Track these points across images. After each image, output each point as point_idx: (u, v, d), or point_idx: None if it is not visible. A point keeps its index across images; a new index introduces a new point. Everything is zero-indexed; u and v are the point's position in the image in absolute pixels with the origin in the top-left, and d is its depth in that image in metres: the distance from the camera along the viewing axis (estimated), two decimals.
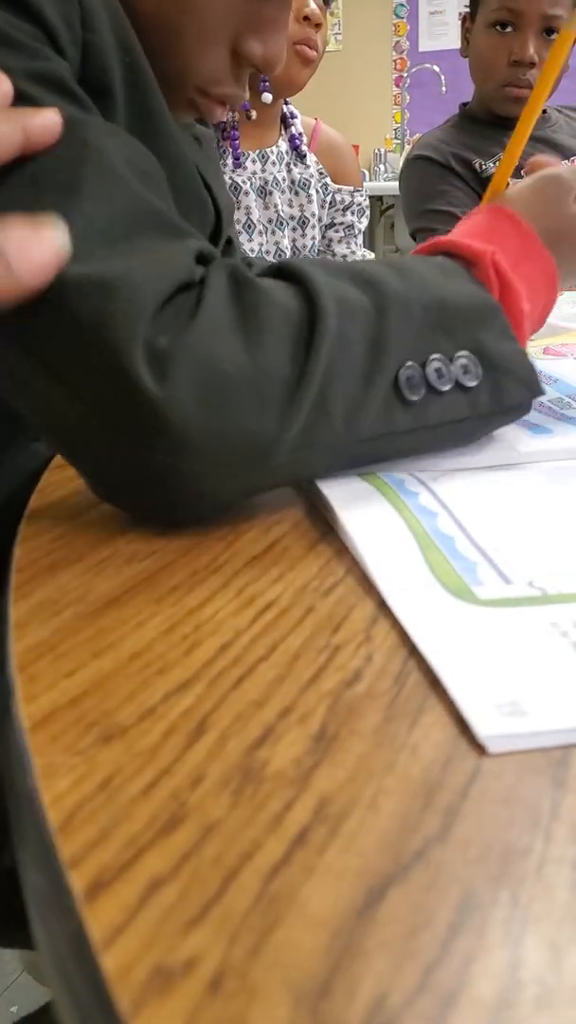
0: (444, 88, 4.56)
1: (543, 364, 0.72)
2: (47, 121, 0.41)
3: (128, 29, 0.54)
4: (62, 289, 0.40)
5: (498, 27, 1.52)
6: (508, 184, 0.62)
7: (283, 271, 0.47)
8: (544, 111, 1.66)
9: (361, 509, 0.44)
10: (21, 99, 0.43)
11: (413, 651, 0.33)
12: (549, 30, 1.51)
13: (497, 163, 1.58)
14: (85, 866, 0.23)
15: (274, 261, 0.55)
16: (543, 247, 0.55)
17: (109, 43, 0.52)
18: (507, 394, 0.50)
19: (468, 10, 1.62)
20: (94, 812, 0.25)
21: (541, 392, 0.51)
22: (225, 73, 0.60)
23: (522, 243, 0.54)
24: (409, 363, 0.46)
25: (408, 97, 4.88)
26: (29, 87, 0.44)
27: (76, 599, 0.38)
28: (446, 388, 0.47)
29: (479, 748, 0.27)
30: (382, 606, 0.36)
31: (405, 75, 4.84)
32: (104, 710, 0.29)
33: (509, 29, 1.51)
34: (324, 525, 0.45)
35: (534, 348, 0.77)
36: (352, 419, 0.45)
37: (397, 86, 4.89)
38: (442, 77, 4.57)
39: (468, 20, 1.62)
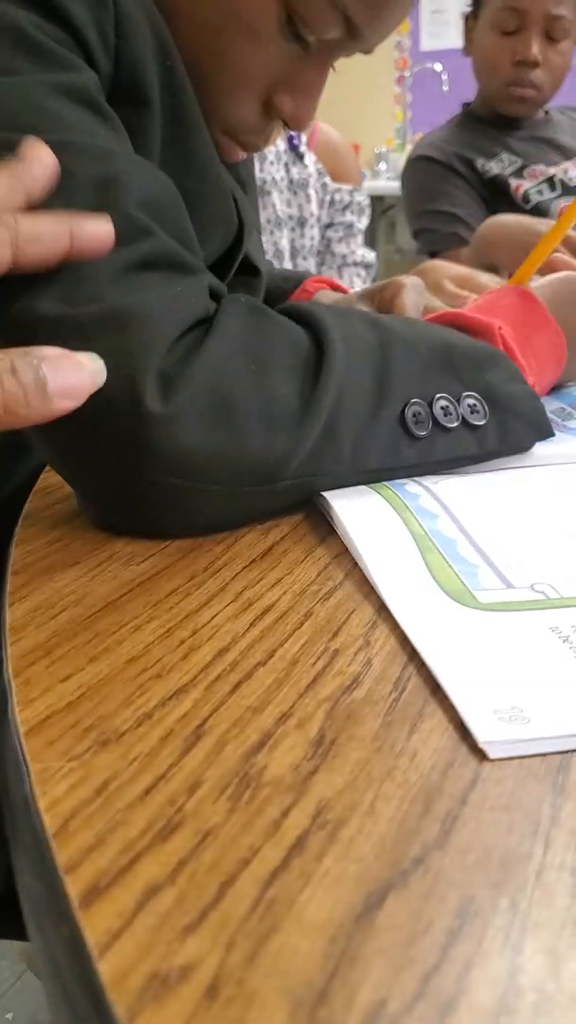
0: (446, 87, 4.55)
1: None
2: (101, 231, 0.41)
3: (167, 36, 0.52)
4: (81, 324, 0.40)
5: (502, 27, 1.52)
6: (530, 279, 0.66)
7: (292, 313, 0.47)
8: (546, 112, 1.66)
9: (361, 510, 0.44)
10: (44, 114, 0.43)
11: (413, 656, 0.33)
12: (552, 30, 1.51)
13: (499, 161, 1.58)
14: (81, 871, 0.23)
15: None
16: (555, 324, 0.58)
17: (146, 48, 0.50)
18: (514, 435, 0.51)
19: (470, 9, 1.61)
20: (90, 817, 0.25)
21: (550, 434, 0.52)
22: (253, 122, 0.59)
23: (539, 319, 0.58)
24: (415, 400, 0.47)
25: (410, 96, 4.88)
26: (54, 102, 0.44)
27: (73, 603, 0.37)
28: (453, 425, 0.48)
29: (479, 754, 0.27)
30: (381, 610, 0.36)
31: (407, 74, 4.84)
32: (100, 715, 0.29)
33: (513, 29, 1.51)
34: (323, 528, 0.45)
35: None
36: (359, 451, 0.46)
37: (399, 85, 4.89)
38: (444, 76, 4.57)
39: (471, 19, 1.62)
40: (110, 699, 0.30)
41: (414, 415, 0.47)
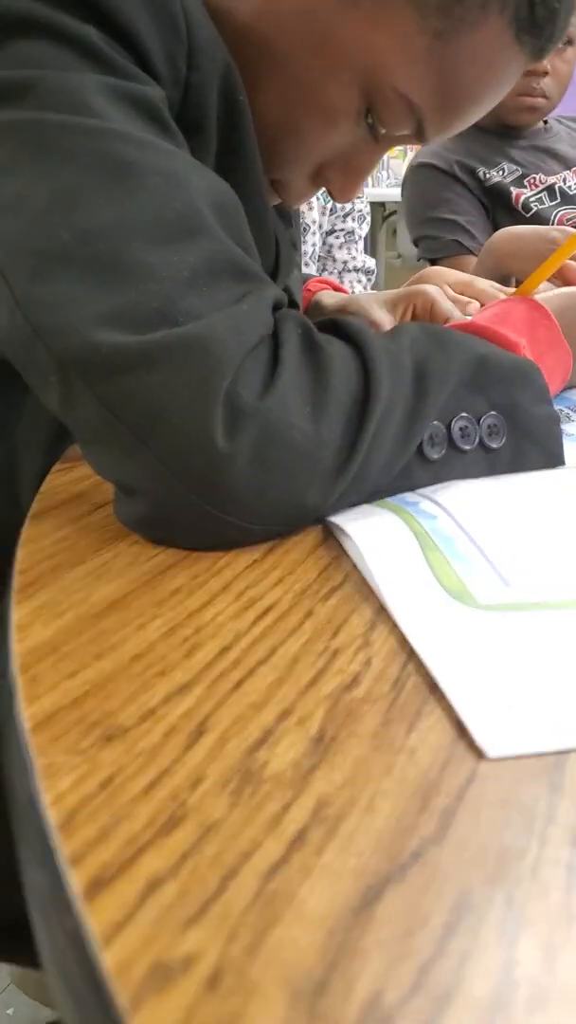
0: None
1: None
2: None
3: (236, 74, 0.52)
4: (146, 352, 0.39)
5: None
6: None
7: (340, 330, 0.46)
8: (545, 122, 1.66)
9: (360, 510, 0.45)
10: (105, 118, 0.42)
11: (412, 654, 0.33)
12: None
13: (499, 169, 1.58)
14: (86, 864, 0.23)
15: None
16: (564, 341, 0.59)
17: (214, 77, 0.50)
18: (527, 461, 0.50)
19: None
20: (95, 811, 0.25)
21: (561, 463, 0.52)
22: (301, 187, 0.61)
23: (550, 335, 0.58)
24: (435, 422, 0.47)
25: None
26: (118, 109, 0.43)
27: (78, 601, 0.38)
28: (468, 448, 0.48)
29: (476, 751, 0.28)
30: (381, 610, 0.37)
31: None
32: (105, 711, 0.30)
33: None
34: (324, 528, 0.45)
35: None
36: (380, 480, 0.46)
37: None
38: None
39: None
40: (115, 696, 0.31)
41: (431, 437, 0.47)
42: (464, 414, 0.48)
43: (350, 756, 0.27)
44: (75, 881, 0.23)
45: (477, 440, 0.48)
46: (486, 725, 0.28)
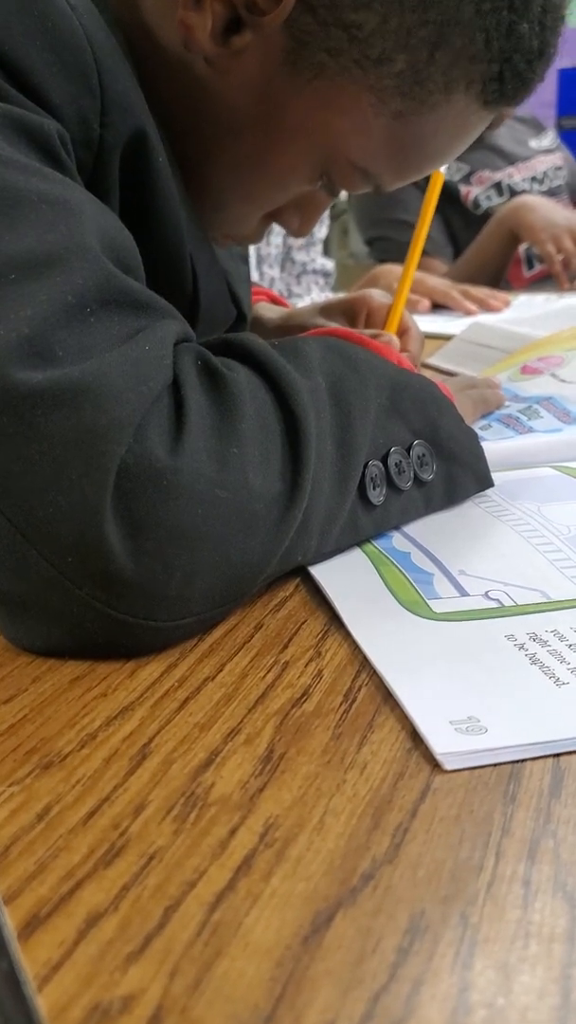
0: None
1: (520, 386, 0.70)
2: None
3: (152, 135, 0.45)
4: (25, 399, 0.30)
5: None
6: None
7: (236, 349, 0.39)
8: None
9: None
10: None
11: (363, 666, 0.33)
12: None
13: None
14: (21, 901, 0.22)
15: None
16: None
17: (121, 141, 0.43)
18: (460, 489, 0.47)
19: None
20: (31, 843, 0.24)
21: (490, 485, 0.48)
22: (257, 232, 0.58)
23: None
24: (373, 462, 0.41)
25: None
26: (3, 136, 0.36)
27: None
28: (407, 486, 0.43)
29: (430, 763, 0.27)
30: (333, 620, 0.36)
31: None
32: (43, 737, 0.29)
33: None
34: None
35: (511, 370, 0.76)
36: (324, 534, 0.39)
37: None
38: None
39: None
40: (53, 720, 0.29)
41: (371, 479, 0.41)
42: (395, 447, 0.43)
43: (299, 774, 0.27)
44: (9, 919, 0.21)
45: (412, 475, 0.43)
46: (445, 738, 0.27)
